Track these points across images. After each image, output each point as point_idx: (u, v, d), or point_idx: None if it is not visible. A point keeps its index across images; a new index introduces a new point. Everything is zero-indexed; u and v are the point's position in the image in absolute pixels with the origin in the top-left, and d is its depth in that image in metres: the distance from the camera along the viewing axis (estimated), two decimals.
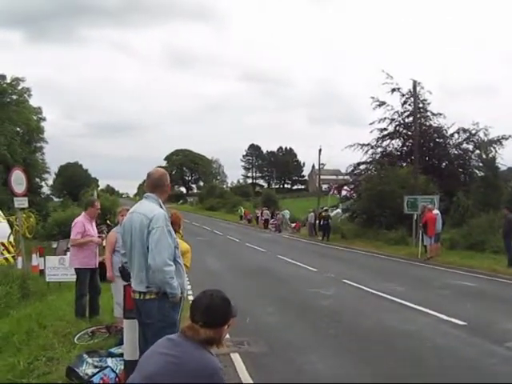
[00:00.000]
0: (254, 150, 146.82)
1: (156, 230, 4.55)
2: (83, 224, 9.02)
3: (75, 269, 9.17)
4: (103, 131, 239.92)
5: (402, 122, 37.14)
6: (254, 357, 7.66)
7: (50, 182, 65.71)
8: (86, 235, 9.00)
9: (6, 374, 6.28)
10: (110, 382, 2.96)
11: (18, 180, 14.81)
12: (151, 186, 4.93)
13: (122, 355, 6.26)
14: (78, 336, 7.70)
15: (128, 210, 5.71)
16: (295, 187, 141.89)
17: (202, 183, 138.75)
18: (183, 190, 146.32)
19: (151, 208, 4.74)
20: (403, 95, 36.15)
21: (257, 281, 15.90)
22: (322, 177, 54.19)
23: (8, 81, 51.37)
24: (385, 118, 37.18)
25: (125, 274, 5.20)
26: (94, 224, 9.47)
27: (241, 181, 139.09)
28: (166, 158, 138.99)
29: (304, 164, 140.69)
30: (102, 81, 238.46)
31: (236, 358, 7.49)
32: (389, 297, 12.60)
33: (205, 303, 3.05)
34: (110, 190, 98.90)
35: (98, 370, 6.02)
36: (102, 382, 2.86)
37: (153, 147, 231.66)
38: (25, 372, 6.32)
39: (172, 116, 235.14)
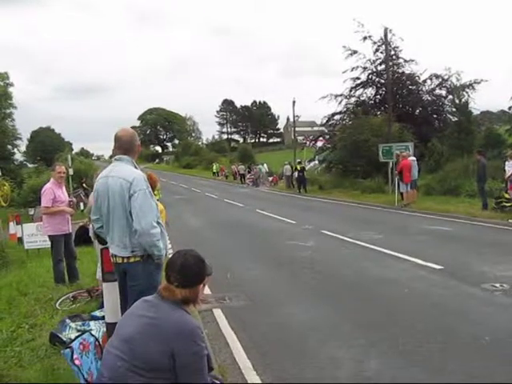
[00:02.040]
0: (227, 105, 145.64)
1: (138, 193, 4.48)
2: (52, 190, 8.92)
3: (49, 236, 9.13)
4: (74, 94, 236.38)
5: (374, 70, 37.10)
6: (236, 311, 7.75)
7: (23, 149, 64.83)
8: (57, 201, 8.91)
9: None
10: (89, 346, 2.96)
11: None
12: (123, 148, 4.79)
13: (104, 318, 6.32)
14: (59, 301, 7.71)
15: None
16: (271, 141, 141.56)
17: (177, 141, 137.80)
18: (158, 149, 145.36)
19: (129, 171, 4.64)
20: (375, 43, 36.05)
21: (236, 236, 15.97)
22: (297, 129, 54.09)
23: None
24: (357, 67, 37.11)
25: (100, 238, 5.17)
26: (63, 188, 9.36)
27: (216, 137, 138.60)
28: (139, 118, 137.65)
29: (279, 117, 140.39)
30: (68, 42, 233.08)
31: (218, 313, 7.58)
32: (367, 245, 12.77)
33: (179, 263, 3.06)
34: (84, 153, 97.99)
35: (80, 334, 6.09)
36: (81, 346, 2.86)
37: (125, 107, 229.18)
38: (8, 340, 6.31)
39: (142, 74, 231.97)
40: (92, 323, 6.33)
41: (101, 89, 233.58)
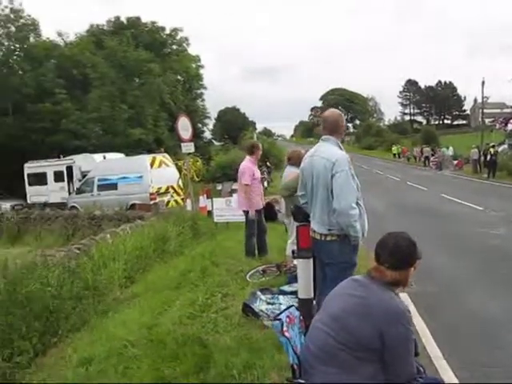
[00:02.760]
0: (411, 85, 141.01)
1: (340, 173, 4.53)
2: (251, 168, 9.25)
3: (244, 211, 9.46)
4: (259, 74, 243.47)
5: None
6: (423, 298, 7.52)
7: (211, 127, 68.34)
8: (254, 179, 9.22)
9: (187, 308, 6.73)
10: (295, 319, 3.03)
11: (184, 126, 15.51)
12: (329, 129, 4.88)
13: (293, 293, 6.45)
14: (249, 274, 8.01)
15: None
16: (455, 123, 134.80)
17: (358, 122, 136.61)
18: None
19: (333, 151, 4.71)
20: None
21: (420, 220, 15.46)
22: (485, 111, 50.99)
23: (167, 32, 53.51)
24: None
25: (297, 215, 5.27)
26: (256, 166, 9.69)
27: (398, 118, 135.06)
28: (321, 98, 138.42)
29: (465, 98, 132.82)
30: (251, 24, 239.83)
31: (405, 298, 7.40)
32: None
33: (391, 245, 3.00)
34: (267, 133, 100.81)
35: (270, 306, 6.28)
36: (288, 320, 2.93)
37: (308, 88, 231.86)
38: (203, 307, 6.73)
39: (326, 54, 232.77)
40: (281, 297, 6.51)
41: (284, 69, 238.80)
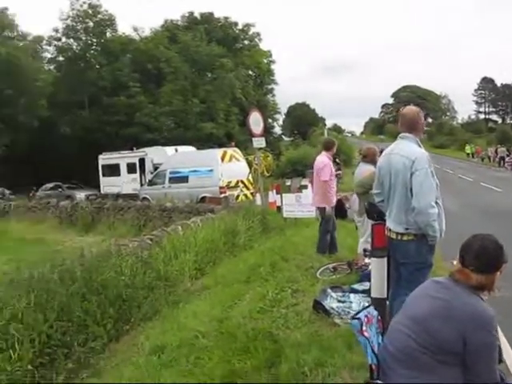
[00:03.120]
0: (486, 83, 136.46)
1: (420, 171, 4.43)
2: (329, 164, 9.16)
3: (320, 208, 9.38)
4: (328, 70, 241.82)
5: None
6: (502, 303, 7.24)
7: (280, 122, 68.40)
8: (332, 175, 9.13)
9: (257, 302, 6.74)
10: (372, 319, 2.97)
11: (256, 121, 15.53)
12: (407, 126, 4.77)
13: (364, 292, 6.36)
14: (320, 271, 7.96)
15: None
16: None
17: (430, 120, 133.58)
18: None
19: (412, 149, 4.61)
20: None
21: (498, 222, 14.88)
22: None
23: (240, 27, 53.92)
24: None
25: (371, 213, 5.19)
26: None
27: (472, 116, 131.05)
28: (392, 95, 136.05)
29: None
30: (324, 19, 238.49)
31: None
32: None
33: (476, 247, 2.89)
34: (336, 129, 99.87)
35: (341, 304, 6.21)
36: (366, 319, 2.88)
37: (378, 85, 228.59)
38: (273, 301, 6.72)
39: (396, 51, 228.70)
40: (352, 296, 6.43)
41: (355, 65, 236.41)
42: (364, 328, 2.80)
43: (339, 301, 6.29)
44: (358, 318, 2.83)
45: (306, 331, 5.48)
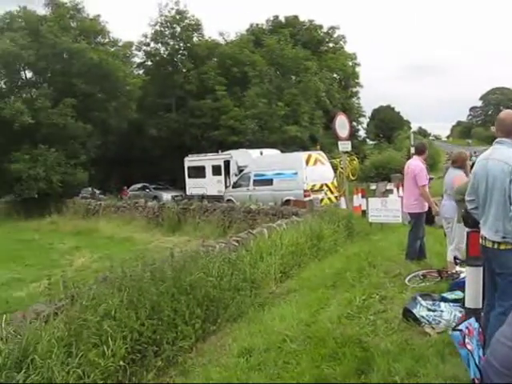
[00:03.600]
0: None
1: None
2: (424, 169, 8.95)
3: (412, 213, 9.17)
4: (414, 73, 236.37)
5: None
6: None
7: (365, 125, 67.55)
8: (427, 179, 8.94)
9: (344, 308, 6.68)
10: (474, 331, 2.87)
11: (342, 124, 15.49)
12: (505, 131, 4.58)
13: (455, 301, 6.18)
14: (408, 278, 7.79)
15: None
16: None
17: None
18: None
19: (511, 154, 4.44)
20: None
21: None
22: None
23: (325, 30, 53.72)
24: None
25: (467, 220, 5.03)
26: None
27: None
28: (481, 98, 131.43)
29: None
30: (408, 22, 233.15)
31: None
32: None
33: None
34: (422, 133, 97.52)
35: (432, 313, 6.05)
36: (467, 331, 2.78)
37: (465, 87, 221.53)
38: (361, 308, 6.64)
39: (485, 54, 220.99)
40: (443, 304, 6.25)
41: (441, 68, 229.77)
42: (467, 340, 2.71)
43: (429, 309, 6.13)
44: (460, 330, 2.75)
45: (395, 339, 5.38)
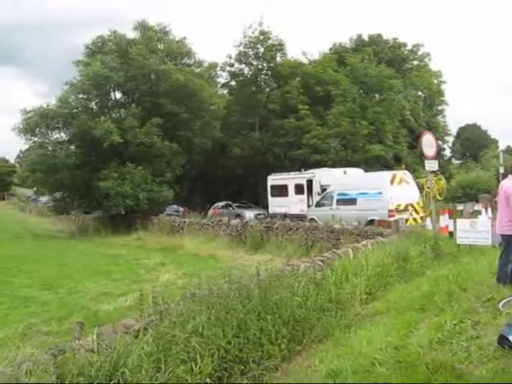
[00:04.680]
0: None
1: None
2: None
3: (505, 235, 8.80)
4: (502, 89, 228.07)
5: None
6: None
7: (450, 144, 65.82)
8: None
9: (434, 333, 6.47)
10: None
11: (428, 143, 15.19)
12: None
13: None
14: (502, 303, 7.45)
15: None
16: None
17: None
18: None
19: None
20: None
21: None
22: None
23: (409, 47, 52.97)
24: None
25: None
26: None
27: None
28: None
29: None
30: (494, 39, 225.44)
31: None
32: None
33: None
34: (510, 151, 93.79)
35: None
36: None
37: None
38: (452, 333, 6.41)
39: None
40: None
41: None
42: None
43: None
44: None
45: (491, 367, 5.16)
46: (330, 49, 52.05)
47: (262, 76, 46.51)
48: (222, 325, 6.59)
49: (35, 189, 74.67)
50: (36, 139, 36.69)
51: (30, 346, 9.07)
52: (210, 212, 36.40)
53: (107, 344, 5.91)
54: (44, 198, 58.49)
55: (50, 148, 36.08)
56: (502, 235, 8.92)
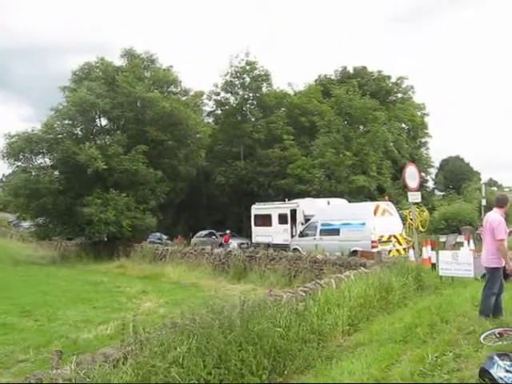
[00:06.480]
0: None
1: None
2: (504, 222, 8.67)
3: (489, 268, 8.84)
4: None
5: None
6: None
7: (433, 176, 66.40)
8: (506, 233, 8.63)
9: (416, 365, 6.47)
10: None
11: (411, 175, 15.35)
12: None
13: None
14: (484, 335, 7.46)
15: None
16: None
17: None
18: None
19: None
20: None
21: None
22: None
23: (393, 80, 53.79)
24: None
25: None
26: None
27: None
28: None
29: None
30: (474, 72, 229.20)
31: None
32: None
33: None
34: (492, 184, 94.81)
35: (510, 374, 5.75)
36: None
37: None
38: (434, 366, 6.40)
39: None
40: None
41: None
42: None
43: (507, 370, 5.83)
44: None
45: None
46: (316, 80, 52.83)
47: (248, 105, 46.95)
48: (202, 355, 6.54)
49: (17, 214, 73.95)
50: (20, 164, 36.37)
51: (8, 374, 8.95)
52: (193, 241, 36.24)
53: (85, 373, 5.85)
54: (26, 223, 57.78)
55: (33, 173, 35.77)
56: (486, 268, 8.97)
